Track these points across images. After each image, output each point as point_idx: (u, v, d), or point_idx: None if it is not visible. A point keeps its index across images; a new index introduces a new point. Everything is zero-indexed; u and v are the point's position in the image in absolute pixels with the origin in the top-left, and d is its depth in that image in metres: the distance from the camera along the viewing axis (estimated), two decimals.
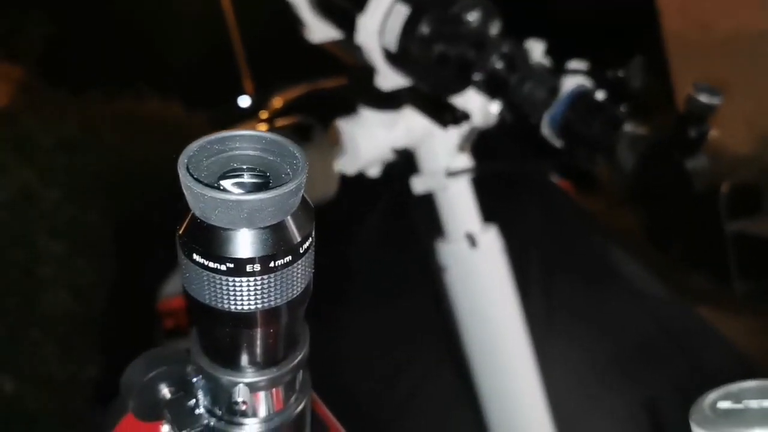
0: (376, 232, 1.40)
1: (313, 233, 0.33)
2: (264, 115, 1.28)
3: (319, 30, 0.94)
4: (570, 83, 0.80)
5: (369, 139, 0.95)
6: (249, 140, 0.32)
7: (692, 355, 1.39)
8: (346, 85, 1.00)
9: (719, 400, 0.38)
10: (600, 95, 0.80)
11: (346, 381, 1.27)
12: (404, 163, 1.00)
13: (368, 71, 0.89)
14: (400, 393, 1.30)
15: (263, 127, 0.98)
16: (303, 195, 0.32)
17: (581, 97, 0.79)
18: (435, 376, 1.30)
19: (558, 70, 0.82)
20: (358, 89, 0.94)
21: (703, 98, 0.70)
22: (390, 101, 0.92)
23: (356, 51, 0.88)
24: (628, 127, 0.76)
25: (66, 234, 2.47)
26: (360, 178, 0.99)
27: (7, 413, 1.87)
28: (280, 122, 0.93)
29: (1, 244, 2.37)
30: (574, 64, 0.82)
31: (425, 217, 1.06)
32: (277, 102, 1.70)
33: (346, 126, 0.95)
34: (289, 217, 0.31)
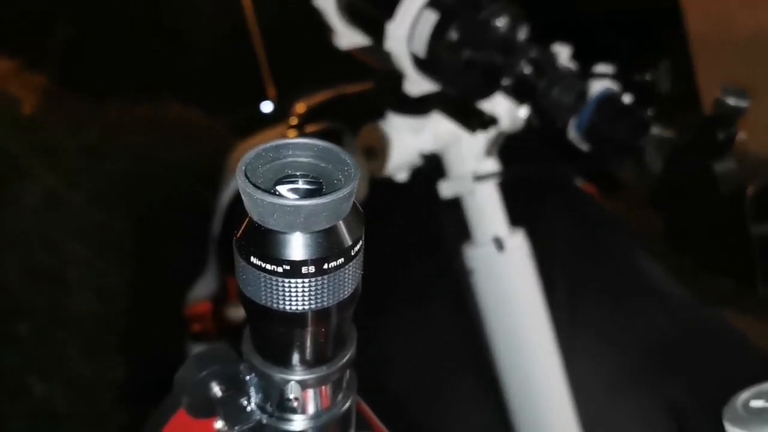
0: (402, 236, 1.41)
1: (363, 237, 0.34)
2: (293, 121, 1.29)
3: (348, 36, 0.96)
4: (597, 87, 0.81)
5: (397, 144, 0.96)
6: (302, 148, 0.34)
7: (718, 358, 1.38)
8: (373, 90, 1.02)
9: (752, 399, 0.38)
10: (627, 99, 0.81)
11: (370, 382, 1.27)
12: (431, 167, 1.01)
13: (396, 76, 0.90)
14: (426, 394, 1.31)
15: (292, 133, 1.00)
16: (354, 200, 0.33)
17: (608, 100, 0.80)
18: (461, 378, 1.31)
19: (585, 73, 0.83)
20: (386, 94, 0.95)
21: (732, 101, 0.71)
22: (418, 106, 0.93)
23: (385, 57, 0.89)
24: (655, 130, 0.76)
25: (91, 237, 2.51)
26: (387, 182, 1.00)
27: (36, 414, 1.91)
28: (310, 128, 0.94)
29: (28, 248, 2.41)
30: (601, 67, 0.83)
31: (452, 221, 1.07)
32: (301, 107, 1.71)
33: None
34: (341, 222, 0.33)
